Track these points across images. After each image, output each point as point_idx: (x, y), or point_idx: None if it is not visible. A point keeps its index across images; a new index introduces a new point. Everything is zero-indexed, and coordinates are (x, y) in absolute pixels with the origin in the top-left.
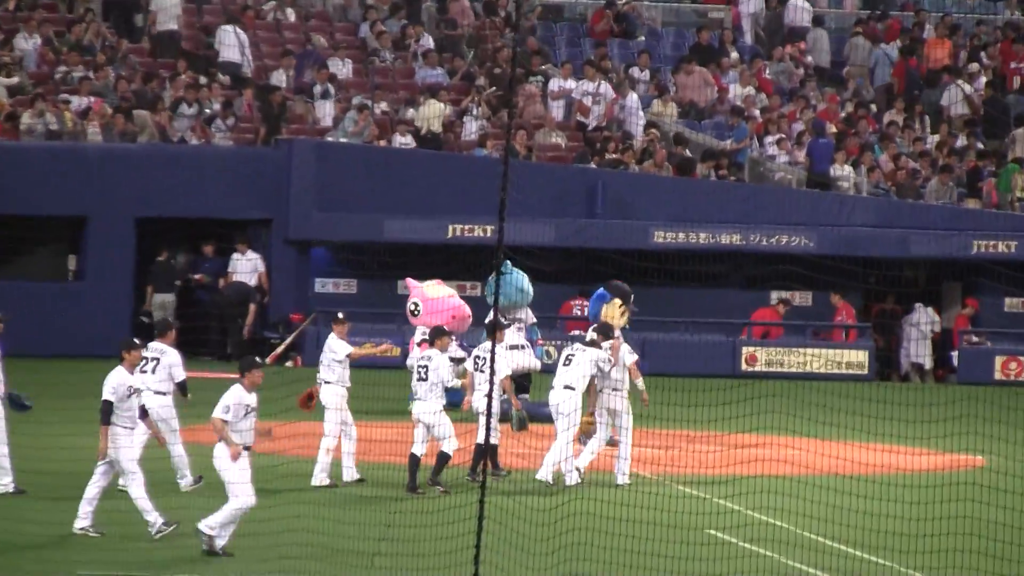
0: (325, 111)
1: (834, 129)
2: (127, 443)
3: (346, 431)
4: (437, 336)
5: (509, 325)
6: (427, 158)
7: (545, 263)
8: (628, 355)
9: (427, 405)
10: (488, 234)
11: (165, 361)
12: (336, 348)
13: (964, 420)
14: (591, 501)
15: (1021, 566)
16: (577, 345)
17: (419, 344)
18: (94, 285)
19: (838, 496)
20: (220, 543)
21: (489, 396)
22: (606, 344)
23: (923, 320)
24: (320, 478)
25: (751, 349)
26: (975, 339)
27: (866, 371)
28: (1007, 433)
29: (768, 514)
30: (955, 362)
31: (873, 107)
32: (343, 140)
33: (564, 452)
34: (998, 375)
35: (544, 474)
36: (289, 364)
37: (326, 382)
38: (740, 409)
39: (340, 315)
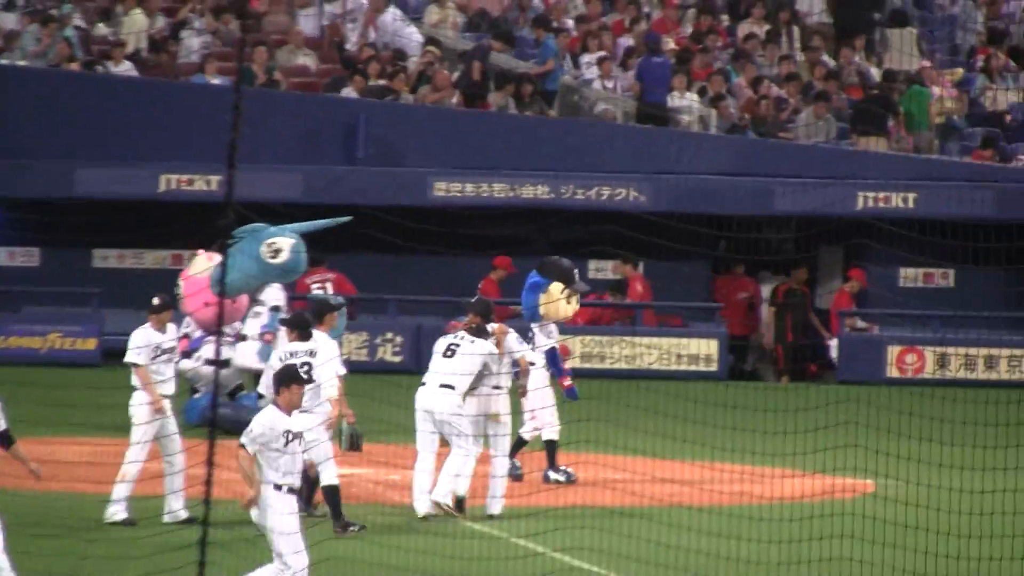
0: None
1: (673, 45)
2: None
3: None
4: (321, 312)
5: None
6: (131, 87)
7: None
8: (517, 345)
9: (310, 418)
10: (213, 187)
11: None
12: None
13: (846, 431)
14: (349, 543)
15: None
16: (463, 334)
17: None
18: None
19: (676, 533)
20: None
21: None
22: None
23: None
24: (115, 510)
25: (563, 338)
26: (860, 323)
27: (715, 367)
28: (903, 448)
29: (582, 557)
30: (833, 353)
31: (725, 16)
32: (21, 63)
33: (432, 476)
34: (891, 371)
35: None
36: None
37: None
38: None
39: (156, 300)
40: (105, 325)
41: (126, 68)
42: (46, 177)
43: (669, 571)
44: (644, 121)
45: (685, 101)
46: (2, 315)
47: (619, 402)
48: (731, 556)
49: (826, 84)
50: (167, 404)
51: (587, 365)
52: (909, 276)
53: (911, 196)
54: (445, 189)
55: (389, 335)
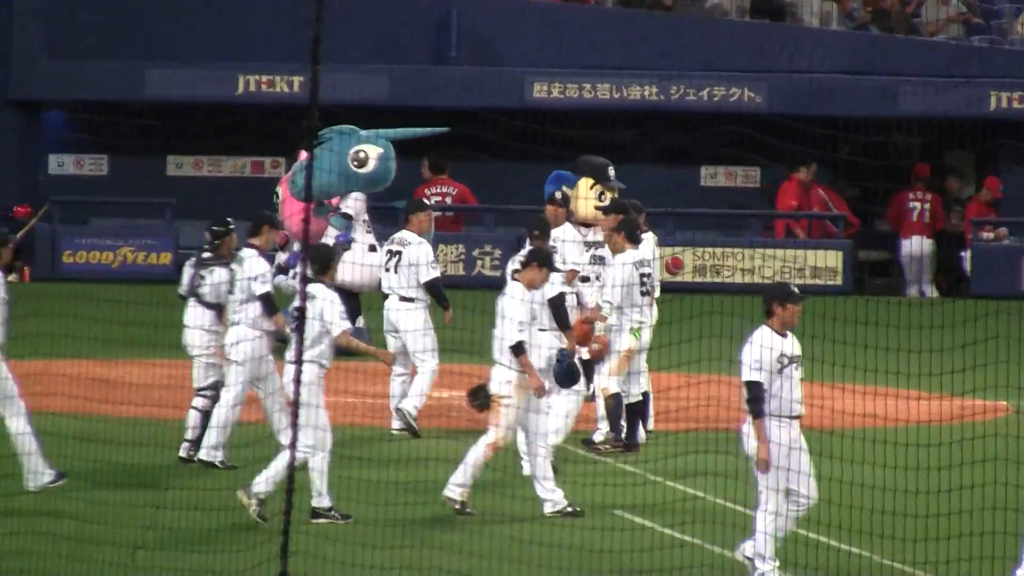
0: None
1: None
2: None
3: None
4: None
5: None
6: None
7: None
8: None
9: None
10: (295, 88)
11: None
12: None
13: (980, 348)
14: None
15: None
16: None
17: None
18: None
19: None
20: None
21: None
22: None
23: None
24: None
25: (675, 250)
26: (992, 234)
27: (839, 280)
28: None
29: (699, 486)
30: (966, 266)
31: None
32: None
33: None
34: None
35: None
36: (13, 277)
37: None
38: (660, 335)
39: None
40: (180, 238)
41: None
42: (114, 78)
43: None
44: (758, 16)
45: None
46: (70, 228)
47: (733, 316)
48: (864, 482)
49: None
50: None
51: (699, 279)
52: None
53: None
54: (545, 89)
55: (487, 247)
